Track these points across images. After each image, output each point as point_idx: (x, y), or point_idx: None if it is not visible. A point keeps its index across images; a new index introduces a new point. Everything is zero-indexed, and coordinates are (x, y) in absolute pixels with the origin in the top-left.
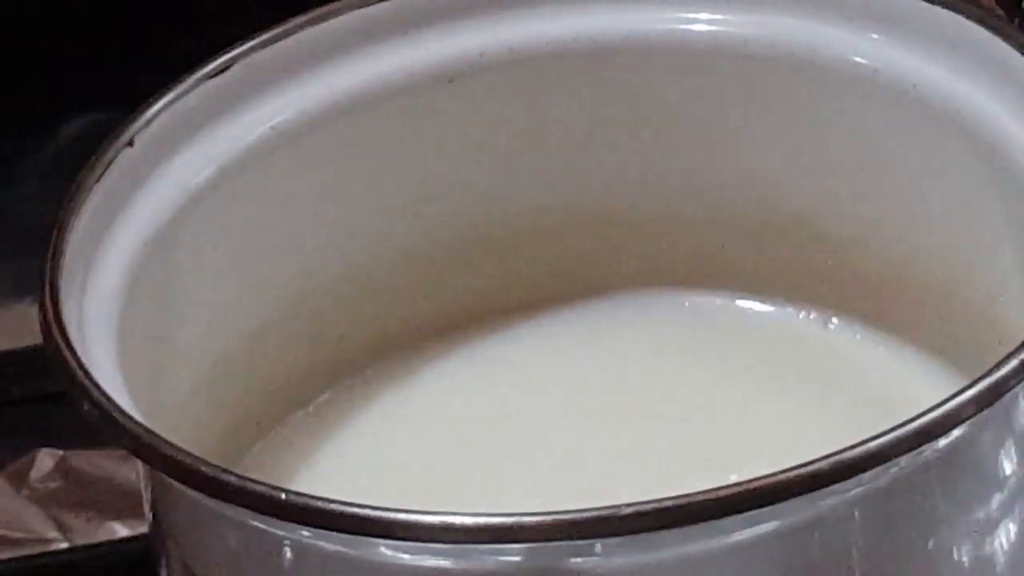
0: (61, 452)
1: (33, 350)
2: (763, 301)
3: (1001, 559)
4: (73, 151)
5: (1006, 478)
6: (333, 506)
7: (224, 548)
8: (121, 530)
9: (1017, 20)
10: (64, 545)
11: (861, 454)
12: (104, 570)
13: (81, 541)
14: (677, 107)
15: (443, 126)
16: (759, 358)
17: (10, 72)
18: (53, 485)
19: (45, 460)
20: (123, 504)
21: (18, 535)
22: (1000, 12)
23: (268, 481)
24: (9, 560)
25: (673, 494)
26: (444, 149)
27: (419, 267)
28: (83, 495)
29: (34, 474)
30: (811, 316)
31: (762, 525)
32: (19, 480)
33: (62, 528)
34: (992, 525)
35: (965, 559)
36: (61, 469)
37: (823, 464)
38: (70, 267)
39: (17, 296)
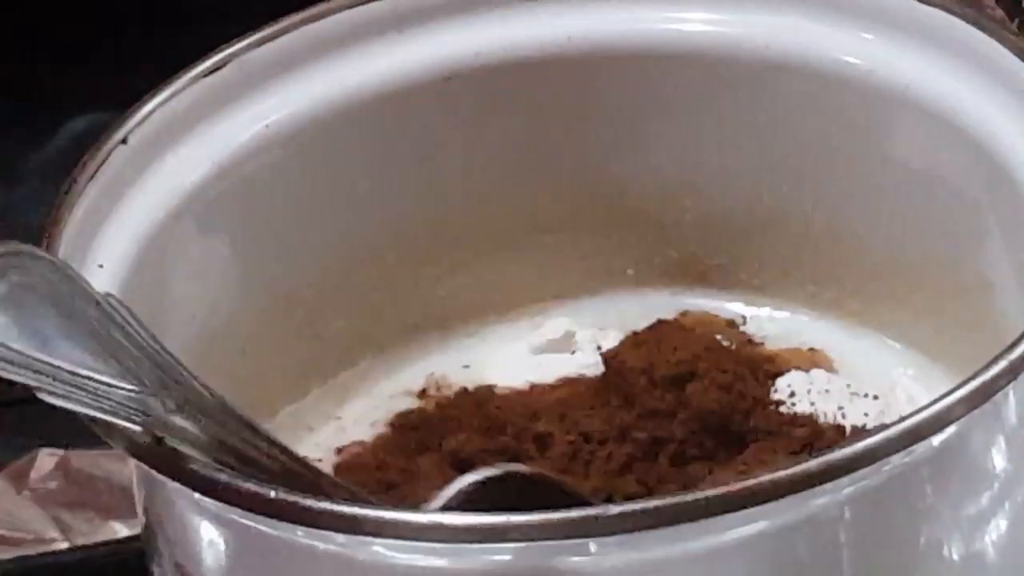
0: (61, 452)
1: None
2: (756, 301)
3: (992, 555)
4: (73, 151)
5: (996, 476)
6: (323, 504)
7: (216, 547)
8: (121, 530)
9: (1017, 20)
10: (64, 545)
11: (851, 454)
12: (104, 570)
13: (81, 541)
14: (671, 107)
15: (438, 124)
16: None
17: (10, 72)
18: (53, 485)
19: (45, 460)
20: (123, 504)
21: (18, 535)
22: (1000, 12)
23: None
24: (9, 560)
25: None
26: (439, 147)
27: (413, 264)
28: (83, 495)
29: (34, 474)
30: (802, 316)
31: (753, 524)
32: (19, 480)
33: (62, 528)
34: (983, 522)
35: (956, 556)
36: (61, 469)
37: (812, 464)
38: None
39: None
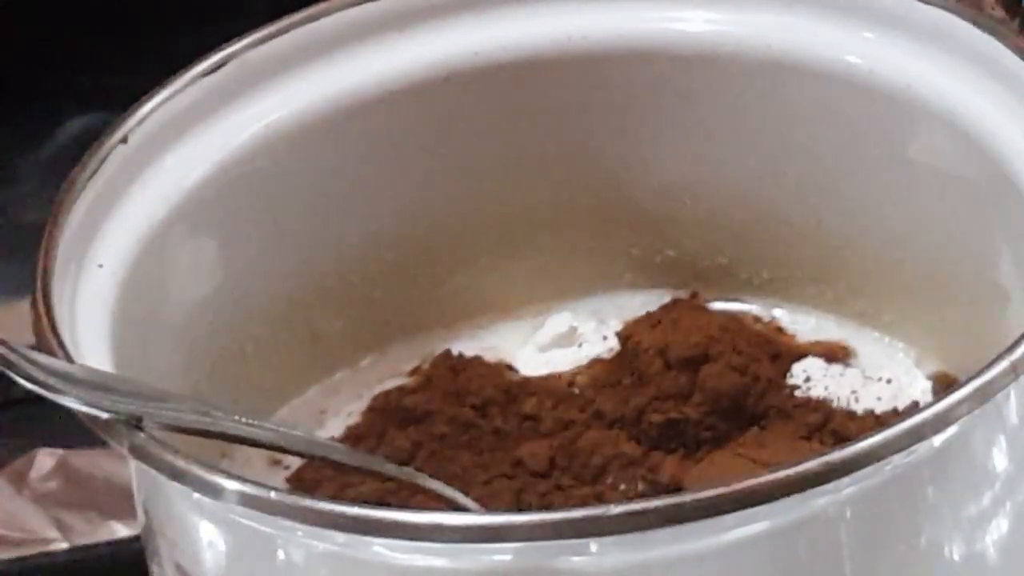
0: (61, 452)
1: (34, 349)
2: (756, 300)
3: (993, 555)
4: (73, 151)
5: (997, 476)
6: (323, 504)
7: (216, 547)
8: (121, 530)
9: (1018, 19)
10: (64, 545)
11: (852, 454)
12: (104, 570)
13: (81, 541)
14: (671, 107)
15: (438, 124)
16: None
17: (10, 72)
18: (53, 485)
19: (45, 460)
20: (123, 504)
21: (18, 535)
22: (1000, 11)
23: (258, 479)
24: (9, 560)
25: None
26: (439, 147)
27: (413, 264)
28: (83, 495)
29: (34, 474)
30: (803, 315)
31: (754, 525)
32: (19, 480)
33: (62, 528)
34: (984, 522)
35: (957, 556)
36: (61, 469)
37: (813, 464)
38: (63, 264)
39: (17, 295)
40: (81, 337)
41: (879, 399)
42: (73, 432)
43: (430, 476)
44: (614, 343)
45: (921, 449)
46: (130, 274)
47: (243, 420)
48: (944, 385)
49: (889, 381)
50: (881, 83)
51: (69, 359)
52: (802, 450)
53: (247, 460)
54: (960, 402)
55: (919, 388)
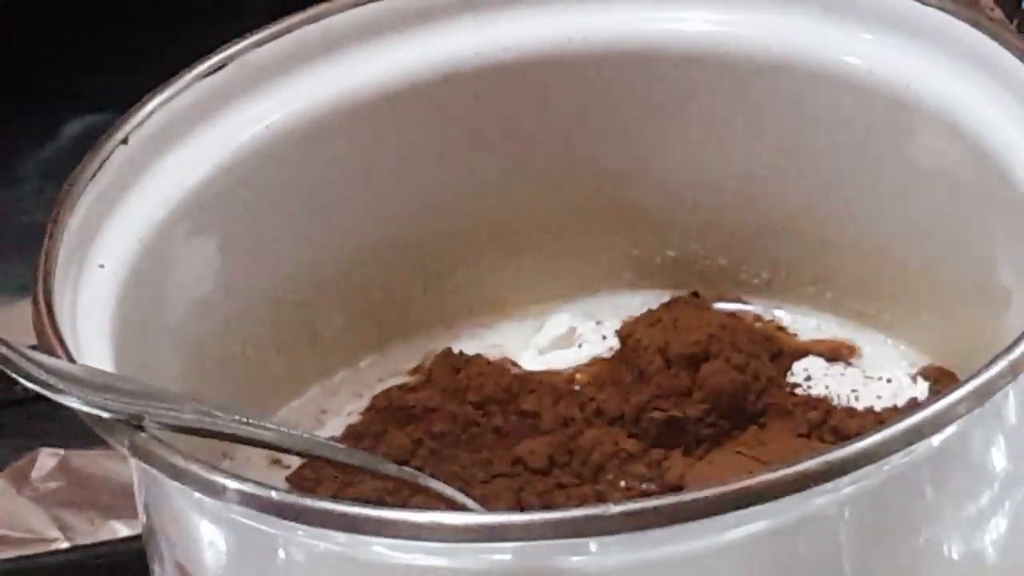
0: (62, 452)
1: (35, 349)
2: (757, 300)
3: (991, 555)
4: (73, 151)
5: (996, 476)
6: (323, 504)
7: (216, 547)
8: (121, 530)
9: (1016, 21)
10: (65, 545)
11: (850, 454)
12: (104, 570)
13: (81, 541)
14: (671, 107)
15: (438, 124)
16: None
17: (10, 72)
18: (54, 485)
19: (46, 460)
20: (123, 504)
21: (19, 535)
22: (999, 12)
23: (258, 479)
24: (9, 560)
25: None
26: (439, 147)
27: (413, 264)
28: (84, 495)
29: (35, 474)
30: (803, 315)
31: (753, 524)
32: (20, 480)
33: (63, 528)
34: (982, 522)
35: (956, 555)
36: (62, 469)
37: (812, 464)
38: (64, 265)
39: (18, 295)
40: (82, 337)
41: (879, 398)
42: (74, 432)
43: (430, 475)
44: (614, 343)
45: (920, 449)
46: (131, 274)
47: (243, 420)
48: (943, 384)
49: (889, 381)
50: (881, 83)
51: (70, 359)
52: (802, 447)
53: (247, 460)
54: (959, 402)
55: (919, 388)
